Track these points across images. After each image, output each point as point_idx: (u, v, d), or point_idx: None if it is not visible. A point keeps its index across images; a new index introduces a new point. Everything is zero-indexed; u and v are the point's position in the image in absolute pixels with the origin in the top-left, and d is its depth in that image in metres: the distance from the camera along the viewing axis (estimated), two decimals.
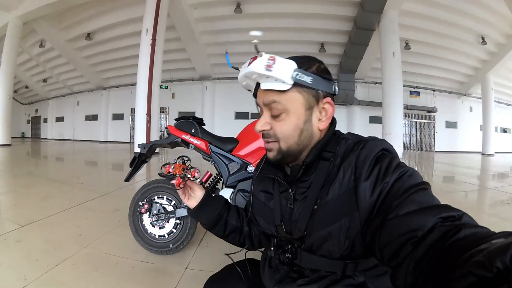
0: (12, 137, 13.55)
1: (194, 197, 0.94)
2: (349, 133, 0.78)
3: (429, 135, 17.49)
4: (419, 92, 16.54)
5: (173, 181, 0.89)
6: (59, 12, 12.68)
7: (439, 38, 13.05)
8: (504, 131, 19.91)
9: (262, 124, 0.73)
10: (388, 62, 10.79)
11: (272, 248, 0.82)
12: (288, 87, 0.68)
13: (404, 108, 11.40)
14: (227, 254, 0.98)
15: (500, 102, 18.25)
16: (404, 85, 11.49)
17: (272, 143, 0.74)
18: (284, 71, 0.66)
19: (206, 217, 0.95)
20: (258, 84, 0.73)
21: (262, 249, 0.99)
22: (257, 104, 0.76)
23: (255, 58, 0.68)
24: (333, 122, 0.77)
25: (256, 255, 1.02)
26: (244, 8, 11.59)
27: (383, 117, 11.09)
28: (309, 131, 0.73)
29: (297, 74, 0.67)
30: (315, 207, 0.71)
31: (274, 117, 0.72)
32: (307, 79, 0.68)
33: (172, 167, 0.91)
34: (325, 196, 0.69)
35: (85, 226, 2.60)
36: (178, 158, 1.01)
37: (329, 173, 0.71)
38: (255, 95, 0.77)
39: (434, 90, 16.72)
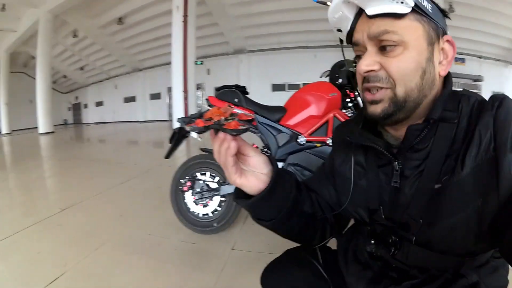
0: (54, 125, 14.21)
1: (251, 172, 0.59)
2: (464, 89, 0.60)
3: None
4: (464, 59, 15.13)
5: (228, 126, 0.51)
6: (87, 1, 12.74)
7: (485, 0, 11.78)
8: None
9: (369, 62, 0.54)
10: None
11: (372, 241, 0.64)
12: (408, 10, 0.50)
13: None
14: None
15: None
16: None
17: (382, 90, 0.55)
18: None
19: (277, 207, 0.62)
20: (357, 15, 0.56)
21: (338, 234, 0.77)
22: (353, 43, 0.59)
23: None
24: (449, 73, 0.59)
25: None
26: None
27: None
28: (432, 74, 0.55)
29: None
30: (437, 186, 0.53)
31: (384, 52, 0.53)
32: (427, 5, 0.53)
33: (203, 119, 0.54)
34: (456, 170, 0.51)
35: (126, 206, 2.56)
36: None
37: (454, 139, 0.53)
38: (350, 33, 0.59)
39: (480, 57, 15.28)
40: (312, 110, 1.81)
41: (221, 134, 0.52)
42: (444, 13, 0.57)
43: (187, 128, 0.54)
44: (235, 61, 15.99)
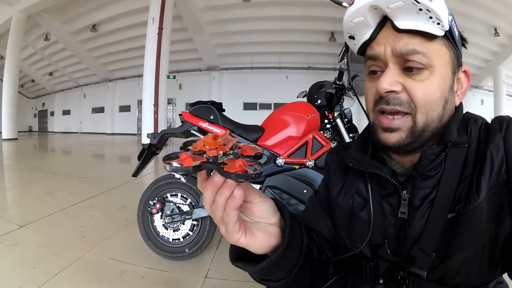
0: (19, 131, 13.60)
1: (254, 224, 0.45)
2: (468, 112, 0.57)
3: None
4: None
5: (232, 168, 0.34)
6: (63, 4, 12.46)
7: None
8: None
9: (392, 81, 0.48)
10: None
11: (380, 281, 0.56)
12: (442, 33, 0.47)
13: None
14: None
15: None
16: None
17: (402, 117, 0.50)
18: (443, 9, 0.45)
19: (291, 264, 0.49)
20: (380, 24, 0.50)
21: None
22: (369, 56, 0.52)
23: None
24: (460, 103, 0.56)
25: None
26: None
27: None
28: (452, 104, 0.53)
29: (452, 20, 0.49)
30: (451, 215, 0.48)
31: (409, 74, 0.48)
32: (456, 31, 0.51)
33: (190, 152, 0.37)
34: (472, 196, 0.46)
35: (89, 226, 2.37)
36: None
37: (465, 164, 0.50)
38: (366, 44, 0.53)
39: None
40: (291, 130, 1.76)
41: (217, 177, 0.36)
42: (464, 42, 0.55)
43: (167, 167, 0.35)
44: (207, 77, 16.15)
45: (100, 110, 19.77)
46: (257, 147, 0.41)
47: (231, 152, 0.37)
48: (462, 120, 0.54)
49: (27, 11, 12.35)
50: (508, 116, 0.52)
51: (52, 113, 23.45)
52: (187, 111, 1.85)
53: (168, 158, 0.35)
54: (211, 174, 0.37)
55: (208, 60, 15.36)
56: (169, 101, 14.81)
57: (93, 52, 16.55)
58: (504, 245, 0.46)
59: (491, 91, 16.39)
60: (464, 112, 0.56)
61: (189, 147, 0.39)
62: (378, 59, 0.51)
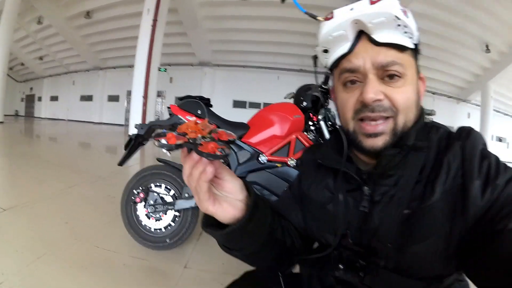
0: (5, 115, 13.05)
1: (226, 198, 0.53)
2: (433, 121, 0.65)
3: None
4: None
5: (206, 149, 0.43)
6: None
7: (443, 41, 12.74)
8: (500, 140, 19.99)
9: (376, 91, 0.54)
10: None
11: (340, 266, 0.62)
12: (412, 46, 0.56)
13: None
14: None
15: (498, 111, 18.22)
16: None
17: (384, 122, 0.56)
18: (415, 25, 0.55)
19: (253, 237, 0.58)
20: (357, 38, 0.56)
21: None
22: (347, 69, 0.57)
23: None
24: (420, 106, 0.63)
25: None
26: None
27: None
28: (419, 106, 0.60)
29: (418, 33, 0.57)
30: (406, 211, 0.54)
31: (388, 82, 0.55)
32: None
33: (175, 133, 0.45)
34: (427, 196, 0.53)
35: (74, 213, 2.37)
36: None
37: (423, 166, 0.56)
38: (342, 57, 0.58)
39: (434, 93, 16.67)
40: (276, 130, 1.82)
41: (195, 155, 0.45)
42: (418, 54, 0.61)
43: (156, 143, 0.42)
44: (199, 73, 15.98)
45: (89, 98, 19.31)
46: (232, 134, 0.49)
47: (208, 136, 0.45)
48: (425, 127, 0.60)
49: None
50: (469, 127, 0.58)
51: (40, 98, 22.84)
52: (176, 104, 1.89)
53: (157, 135, 0.44)
54: (190, 151, 0.45)
55: (201, 55, 15.24)
56: (159, 94, 14.57)
57: (86, 39, 16.23)
58: (459, 243, 0.50)
59: (479, 106, 16.68)
60: (431, 120, 0.65)
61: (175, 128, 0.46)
62: (357, 71, 0.56)
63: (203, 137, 0.44)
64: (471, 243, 0.48)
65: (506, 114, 19.32)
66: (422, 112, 0.61)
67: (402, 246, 0.54)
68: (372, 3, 0.52)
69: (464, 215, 0.49)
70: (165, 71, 11.60)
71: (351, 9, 0.54)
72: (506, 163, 0.52)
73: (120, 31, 14.55)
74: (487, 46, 12.84)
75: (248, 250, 0.59)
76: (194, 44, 14.32)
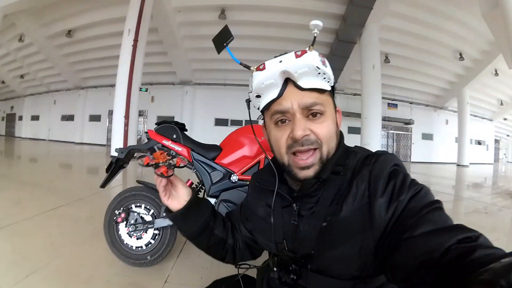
0: None
1: (176, 197, 0.80)
2: (356, 146, 0.76)
3: (405, 146, 17.84)
4: (396, 105, 16.95)
5: (159, 171, 0.74)
6: (41, 6, 12.11)
7: (418, 53, 13.38)
8: (479, 143, 20.81)
9: (304, 128, 0.65)
10: (368, 74, 10.93)
11: (274, 268, 0.75)
12: (329, 88, 0.68)
13: (382, 120, 11.67)
14: (238, 266, 0.93)
15: (476, 116, 19.00)
16: (383, 97, 11.68)
17: (312, 155, 0.67)
18: (331, 71, 0.67)
19: (191, 224, 0.83)
20: (285, 84, 0.67)
21: (257, 265, 0.92)
22: (277, 111, 0.67)
23: (303, 52, 0.63)
24: (341, 136, 0.75)
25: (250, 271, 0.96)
26: (229, 15, 11.42)
27: (362, 128, 11.19)
28: (339, 133, 0.73)
29: (334, 78, 0.70)
30: (324, 224, 0.66)
31: (313, 119, 0.66)
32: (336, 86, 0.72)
33: (151, 157, 0.76)
34: (337, 212, 0.64)
35: (58, 234, 2.44)
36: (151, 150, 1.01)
37: (339, 188, 0.67)
38: (272, 101, 0.68)
39: (411, 103, 17.18)
40: (245, 150, 1.96)
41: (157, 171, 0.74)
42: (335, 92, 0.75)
43: (139, 162, 0.75)
44: (180, 91, 15.97)
45: (70, 118, 18.98)
46: (185, 160, 0.87)
47: (165, 163, 0.75)
48: (346, 152, 0.72)
49: (4, 10, 11.59)
50: (383, 151, 0.69)
51: (21, 118, 22.28)
52: (153, 129, 2.04)
53: (140, 156, 0.74)
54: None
55: (182, 74, 15.31)
56: (141, 113, 14.48)
57: (67, 58, 16.08)
58: (375, 251, 0.59)
59: (456, 112, 17.27)
60: (354, 146, 0.77)
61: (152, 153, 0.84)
62: (286, 112, 0.66)
63: (164, 162, 0.75)
64: (384, 250, 0.57)
65: (483, 118, 20.15)
66: (341, 137, 0.74)
67: (321, 251, 0.65)
68: (297, 56, 0.62)
69: (372, 228, 0.59)
70: (146, 91, 11.53)
71: (280, 62, 0.64)
72: (414, 180, 0.61)
73: (101, 50, 14.49)
74: (460, 54, 13.49)
75: (188, 233, 0.84)
76: (174, 63, 14.40)
